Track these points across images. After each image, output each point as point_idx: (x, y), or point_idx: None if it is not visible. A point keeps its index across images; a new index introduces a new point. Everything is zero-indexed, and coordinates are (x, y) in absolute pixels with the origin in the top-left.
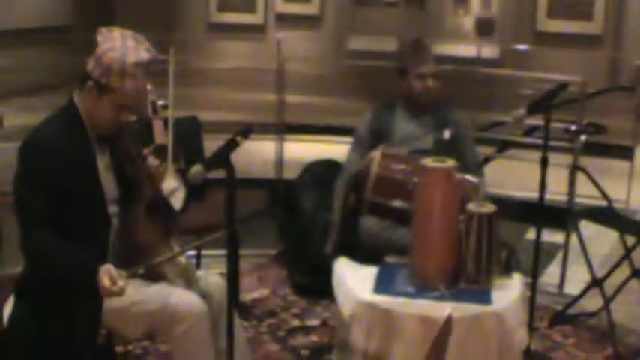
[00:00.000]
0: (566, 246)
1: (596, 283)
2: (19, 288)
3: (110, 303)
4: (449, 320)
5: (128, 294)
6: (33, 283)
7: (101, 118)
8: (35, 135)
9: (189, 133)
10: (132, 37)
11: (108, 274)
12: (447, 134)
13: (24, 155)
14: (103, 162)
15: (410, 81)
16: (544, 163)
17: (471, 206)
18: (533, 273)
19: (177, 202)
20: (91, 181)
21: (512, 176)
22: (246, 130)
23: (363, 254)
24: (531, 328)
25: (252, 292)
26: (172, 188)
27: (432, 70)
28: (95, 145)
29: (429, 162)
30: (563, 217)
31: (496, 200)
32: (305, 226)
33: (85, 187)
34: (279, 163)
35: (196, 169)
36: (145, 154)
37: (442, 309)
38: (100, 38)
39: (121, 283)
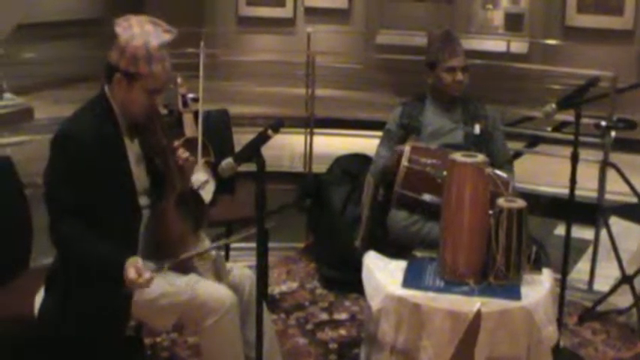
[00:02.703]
0: (596, 242)
1: (626, 279)
2: (49, 279)
3: (140, 295)
4: (478, 315)
5: (158, 286)
6: (63, 274)
7: (134, 106)
8: (67, 126)
9: (219, 126)
10: (148, 22)
11: (134, 266)
12: (477, 129)
13: (56, 146)
14: (133, 154)
15: (440, 74)
16: (574, 159)
17: (501, 201)
18: (563, 269)
19: (207, 194)
20: (122, 172)
21: (543, 172)
22: (277, 124)
23: (391, 248)
24: (560, 324)
25: (280, 285)
26: (202, 181)
27: (462, 64)
28: (126, 137)
29: (459, 156)
30: (593, 213)
31: (526, 195)
32: (334, 219)
33: (116, 178)
34: (309, 156)
35: (227, 162)
36: (176, 147)
37: (471, 304)
38: (118, 29)
39: (147, 275)
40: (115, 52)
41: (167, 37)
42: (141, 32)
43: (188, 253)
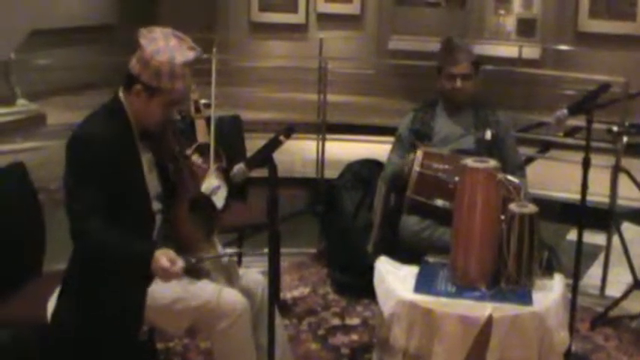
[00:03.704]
0: (607, 248)
1: (638, 285)
2: (65, 283)
3: (153, 300)
4: (489, 320)
5: (172, 291)
6: (79, 277)
7: (151, 118)
8: (82, 130)
9: (231, 132)
10: (173, 36)
11: (166, 255)
12: (488, 134)
13: (72, 149)
14: (146, 159)
15: (442, 81)
16: (586, 164)
17: (513, 206)
18: (575, 274)
19: (218, 200)
20: (136, 177)
21: (554, 177)
22: (289, 129)
23: (403, 253)
24: (572, 329)
25: (292, 290)
26: (214, 186)
27: (462, 71)
28: (139, 143)
29: (470, 162)
30: (605, 218)
31: (538, 201)
32: (346, 225)
33: (130, 183)
34: (321, 162)
35: (239, 167)
36: (188, 153)
37: (483, 309)
38: (142, 41)
39: (180, 263)
40: (138, 64)
41: (192, 55)
42: (166, 46)
43: (210, 254)
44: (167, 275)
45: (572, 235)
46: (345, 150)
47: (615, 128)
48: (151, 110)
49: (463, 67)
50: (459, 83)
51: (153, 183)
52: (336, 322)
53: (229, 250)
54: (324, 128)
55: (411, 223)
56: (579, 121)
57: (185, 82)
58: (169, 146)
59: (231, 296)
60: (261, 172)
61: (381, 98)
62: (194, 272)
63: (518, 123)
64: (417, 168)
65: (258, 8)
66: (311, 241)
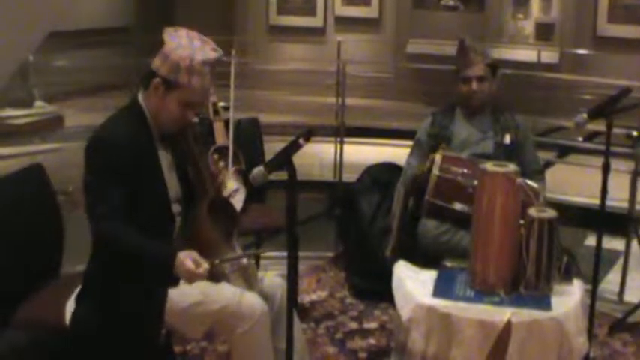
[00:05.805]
0: (626, 253)
1: None
2: (84, 285)
3: (173, 303)
4: (508, 325)
5: (191, 294)
6: (98, 281)
7: (167, 116)
8: (102, 132)
9: (249, 135)
10: (198, 38)
11: (191, 257)
12: (507, 139)
13: (93, 151)
14: (166, 161)
15: (458, 84)
16: (605, 169)
17: (532, 211)
18: (593, 279)
19: (237, 203)
20: (156, 179)
21: (573, 182)
22: (309, 132)
23: (422, 258)
24: (591, 335)
25: (310, 294)
26: (233, 189)
27: (477, 73)
28: (159, 145)
29: (489, 166)
30: (624, 223)
31: (556, 205)
32: (364, 228)
33: (150, 185)
34: (339, 165)
35: (258, 170)
36: (207, 155)
37: (501, 314)
38: (166, 37)
39: (205, 265)
40: (159, 59)
41: (212, 55)
42: (188, 44)
43: (234, 254)
44: (192, 277)
45: (590, 240)
46: (363, 153)
47: (635, 133)
48: (167, 106)
49: (477, 68)
50: (474, 85)
51: (173, 185)
52: (353, 325)
53: (238, 250)
54: (343, 132)
55: (429, 227)
56: (599, 126)
57: (203, 81)
58: (189, 148)
59: (251, 300)
60: (279, 175)
61: (400, 102)
62: (213, 276)
63: (536, 127)
64: (436, 172)
65: (277, 11)
66: (329, 245)
